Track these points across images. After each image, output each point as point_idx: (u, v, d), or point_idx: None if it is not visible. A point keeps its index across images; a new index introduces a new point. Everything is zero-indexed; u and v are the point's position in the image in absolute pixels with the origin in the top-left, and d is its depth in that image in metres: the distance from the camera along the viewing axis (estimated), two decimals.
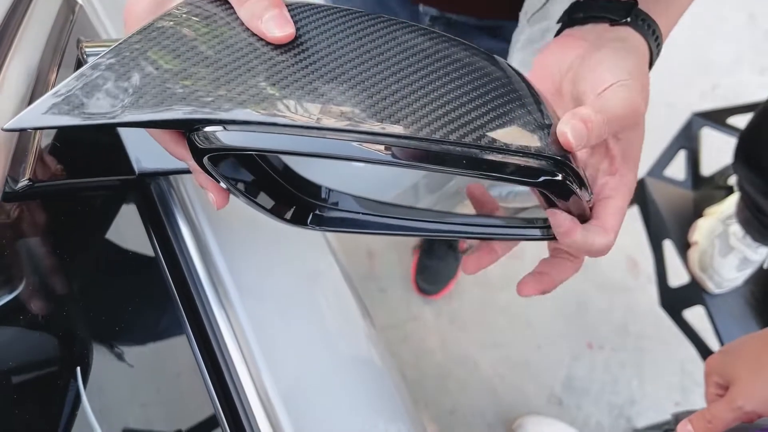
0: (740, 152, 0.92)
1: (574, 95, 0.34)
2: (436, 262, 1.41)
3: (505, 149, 0.27)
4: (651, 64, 0.35)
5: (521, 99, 0.29)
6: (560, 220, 0.30)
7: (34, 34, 0.39)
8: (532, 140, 0.28)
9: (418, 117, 0.27)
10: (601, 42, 0.34)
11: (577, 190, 0.29)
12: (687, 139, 1.12)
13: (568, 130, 0.27)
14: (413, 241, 1.49)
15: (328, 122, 0.26)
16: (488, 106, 0.28)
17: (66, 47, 0.42)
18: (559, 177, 0.28)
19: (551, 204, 0.31)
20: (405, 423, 0.54)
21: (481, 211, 0.37)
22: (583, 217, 0.32)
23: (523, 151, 0.27)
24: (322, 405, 0.45)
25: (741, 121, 1.02)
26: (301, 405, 0.42)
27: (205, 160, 0.29)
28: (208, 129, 0.26)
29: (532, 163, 0.27)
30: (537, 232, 0.34)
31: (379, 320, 1.38)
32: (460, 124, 0.27)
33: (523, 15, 0.51)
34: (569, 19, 0.37)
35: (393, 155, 0.26)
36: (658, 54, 0.35)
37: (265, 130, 0.26)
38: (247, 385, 0.38)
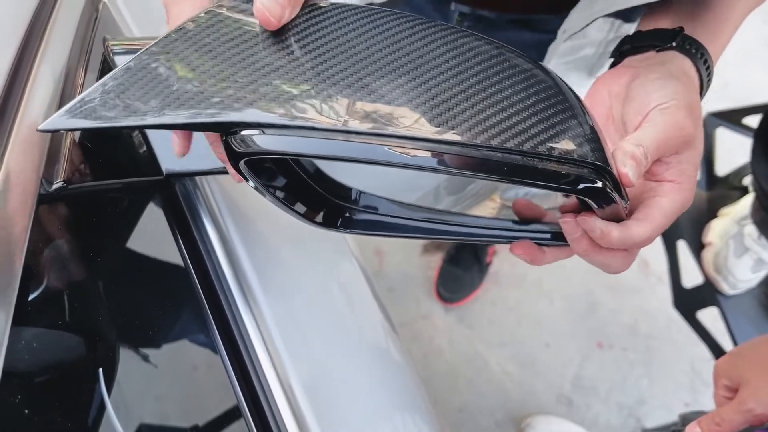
0: (758, 148, 0.91)
1: (623, 120, 0.34)
2: (460, 271, 1.39)
3: (548, 156, 0.26)
4: (703, 87, 0.36)
5: (562, 104, 0.28)
6: (591, 224, 0.30)
7: (60, 34, 0.39)
8: (574, 147, 0.27)
9: (457, 121, 0.26)
10: (647, 67, 0.35)
11: (617, 197, 0.28)
12: None
13: (628, 170, 0.29)
14: (423, 241, 1.49)
15: (372, 127, 0.25)
16: (528, 112, 0.27)
17: (92, 46, 0.41)
18: (599, 184, 0.27)
19: (587, 209, 0.30)
20: (422, 416, 0.54)
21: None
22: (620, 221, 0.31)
23: (565, 158, 0.27)
24: (343, 397, 0.45)
25: (756, 121, 1.01)
26: (323, 397, 0.42)
27: (242, 164, 0.28)
28: (245, 132, 0.26)
29: (573, 170, 0.27)
30: None
31: None
32: (501, 130, 0.26)
33: (561, 32, 0.52)
34: (619, 54, 0.38)
35: (434, 161, 0.25)
36: (709, 78, 0.36)
37: (305, 135, 0.26)
38: (270, 377, 0.38)
